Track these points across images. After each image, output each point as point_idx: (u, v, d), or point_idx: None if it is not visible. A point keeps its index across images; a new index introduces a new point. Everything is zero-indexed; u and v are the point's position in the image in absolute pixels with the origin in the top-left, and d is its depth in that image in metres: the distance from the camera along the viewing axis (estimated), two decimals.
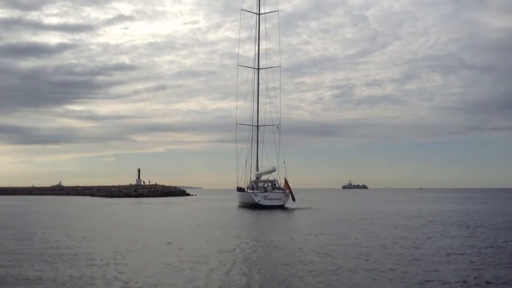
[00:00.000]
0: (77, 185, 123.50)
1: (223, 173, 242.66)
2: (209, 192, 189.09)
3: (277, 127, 52.66)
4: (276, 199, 46.80)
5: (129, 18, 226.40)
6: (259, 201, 46.28)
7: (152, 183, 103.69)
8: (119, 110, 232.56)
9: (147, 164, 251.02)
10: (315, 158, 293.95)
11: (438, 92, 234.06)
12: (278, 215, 36.80)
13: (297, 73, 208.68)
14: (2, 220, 33.12)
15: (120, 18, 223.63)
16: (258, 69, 54.73)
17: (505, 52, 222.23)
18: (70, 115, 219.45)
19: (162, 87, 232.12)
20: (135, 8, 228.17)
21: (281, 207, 45.79)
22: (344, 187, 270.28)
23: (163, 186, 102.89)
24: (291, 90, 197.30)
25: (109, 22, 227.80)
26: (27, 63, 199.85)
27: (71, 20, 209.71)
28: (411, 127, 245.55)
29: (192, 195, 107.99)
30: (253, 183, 51.15)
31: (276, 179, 50.25)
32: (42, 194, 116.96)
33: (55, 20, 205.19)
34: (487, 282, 11.99)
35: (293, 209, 43.50)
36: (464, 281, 12.05)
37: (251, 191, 49.49)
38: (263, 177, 52.01)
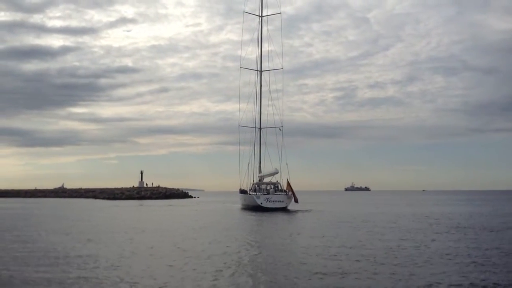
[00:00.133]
0: (80, 187, 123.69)
1: (225, 175, 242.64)
2: (212, 194, 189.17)
3: (280, 129, 52.75)
4: (279, 201, 46.77)
5: (132, 21, 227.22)
6: (261, 203, 46.26)
7: (154, 185, 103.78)
8: (122, 112, 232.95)
9: (149, 166, 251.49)
10: (317, 160, 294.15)
11: (441, 94, 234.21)
12: (281, 217, 36.79)
13: (300, 75, 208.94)
14: (6, 223, 33.18)
15: (123, 21, 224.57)
16: (261, 71, 54.84)
17: (508, 54, 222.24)
18: (73, 118, 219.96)
19: (164, 90, 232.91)
20: (137, 11, 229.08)
21: (284, 210, 45.77)
22: (346, 189, 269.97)
23: (165, 188, 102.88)
24: (293, 92, 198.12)
25: (112, 25, 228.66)
26: (30, 66, 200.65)
27: (74, 23, 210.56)
28: (414, 129, 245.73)
29: (194, 197, 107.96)
30: (256, 185, 51.15)
31: (278, 181, 50.27)
32: (45, 196, 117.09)
33: (58, 23, 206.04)
34: (495, 284, 11.99)
35: (295, 211, 43.48)
36: (471, 283, 12.05)
37: (253, 193, 49.49)
38: (266, 179, 52.00)
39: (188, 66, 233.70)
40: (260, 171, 53.73)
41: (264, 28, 54.73)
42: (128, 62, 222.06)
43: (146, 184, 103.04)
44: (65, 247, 19.05)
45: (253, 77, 55.03)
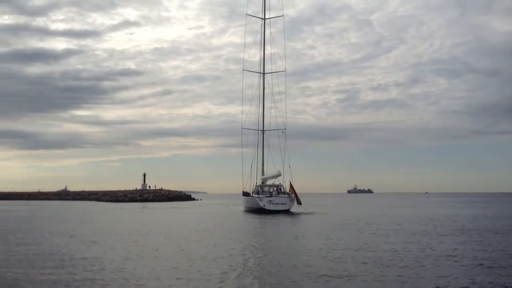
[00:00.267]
0: (83, 190, 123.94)
1: (228, 177, 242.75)
2: (215, 196, 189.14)
3: (283, 131, 52.71)
4: (281, 203, 46.70)
5: (135, 23, 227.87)
6: (264, 205, 46.21)
7: (157, 187, 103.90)
8: (124, 115, 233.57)
9: (152, 169, 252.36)
10: (320, 163, 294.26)
11: (444, 96, 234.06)
12: (284, 219, 36.74)
13: (302, 78, 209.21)
14: (10, 225, 33.21)
15: (126, 23, 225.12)
16: (264, 73, 54.84)
17: (511, 56, 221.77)
18: (76, 120, 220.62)
19: (167, 92, 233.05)
20: (140, 14, 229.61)
21: (287, 212, 45.71)
22: (349, 192, 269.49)
23: (168, 190, 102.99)
24: (296, 94, 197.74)
25: (115, 28, 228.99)
26: (33, 69, 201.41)
27: (77, 26, 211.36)
28: (417, 131, 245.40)
29: (197, 199, 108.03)
30: (259, 188, 51.12)
31: (281, 183, 50.24)
32: (48, 199, 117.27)
33: (61, 26, 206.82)
34: (504, 287, 11.93)
35: (298, 214, 43.41)
36: (479, 286, 11.98)
37: (256, 195, 49.45)
38: (269, 182, 51.95)
39: (191, 68, 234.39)
40: (263, 174, 53.69)
41: (267, 31, 54.89)
42: (131, 65, 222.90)
43: (149, 187, 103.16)
44: (70, 249, 19.05)
45: (256, 79, 55.16)
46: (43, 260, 16.39)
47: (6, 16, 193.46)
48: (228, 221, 36.55)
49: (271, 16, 55.04)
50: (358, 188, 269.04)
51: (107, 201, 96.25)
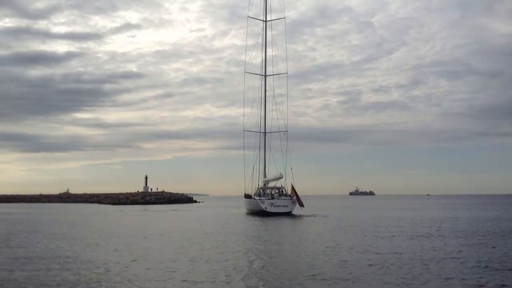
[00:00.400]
0: (84, 192, 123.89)
1: (230, 180, 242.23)
2: (216, 199, 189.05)
3: (284, 133, 52.71)
4: (283, 206, 46.66)
5: (136, 26, 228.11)
6: (266, 208, 46.19)
7: (159, 190, 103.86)
8: (126, 117, 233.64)
9: (154, 171, 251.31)
10: (321, 165, 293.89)
11: (445, 97, 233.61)
12: (287, 222, 36.71)
13: (303, 80, 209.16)
14: (13, 227, 33.22)
15: (127, 26, 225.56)
16: (265, 75, 54.90)
17: None
18: (78, 123, 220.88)
19: (169, 95, 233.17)
20: (142, 17, 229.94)
21: (288, 214, 45.68)
22: (351, 194, 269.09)
23: (170, 193, 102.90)
24: (297, 96, 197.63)
25: (116, 31, 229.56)
26: (35, 72, 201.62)
27: (78, 29, 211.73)
28: (418, 133, 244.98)
29: (199, 202, 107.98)
30: (260, 190, 51.10)
31: (283, 186, 50.23)
32: (50, 201, 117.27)
33: (62, 29, 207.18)
34: None
35: (300, 216, 43.35)
36: None
37: (258, 198, 49.45)
38: (271, 184, 51.91)
39: (192, 71, 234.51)
40: (264, 176, 53.68)
41: (268, 33, 54.95)
42: (133, 67, 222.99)
43: (151, 189, 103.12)
44: (74, 252, 19.08)
45: (257, 81, 55.19)
46: (47, 262, 16.41)
47: (7, 19, 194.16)
48: (230, 224, 36.52)
49: (272, 18, 55.19)
50: (359, 190, 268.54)
51: (108, 203, 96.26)
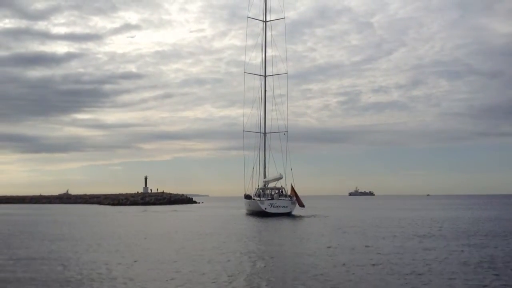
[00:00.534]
0: (84, 193, 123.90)
1: (230, 180, 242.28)
2: (216, 199, 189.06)
3: (284, 134, 52.70)
4: (283, 206, 46.64)
5: (136, 27, 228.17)
6: (265, 208, 46.17)
7: (159, 191, 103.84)
8: (126, 118, 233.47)
9: (154, 172, 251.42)
10: (321, 165, 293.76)
11: (445, 98, 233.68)
12: (287, 223, 36.69)
13: (303, 80, 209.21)
14: (13, 228, 33.15)
15: (127, 27, 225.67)
16: (265, 76, 54.90)
17: None
18: (78, 124, 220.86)
19: (168, 95, 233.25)
20: (141, 17, 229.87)
21: (288, 215, 45.65)
22: (350, 194, 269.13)
23: (170, 194, 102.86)
24: (297, 97, 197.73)
25: (116, 31, 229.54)
26: (35, 73, 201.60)
27: (78, 30, 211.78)
28: (418, 133, 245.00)
29: (199, 202, 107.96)
30: (260, 191, 51.06)
31: (283, 186, 50.21)
32: (50, 202, 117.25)
33: (62, 30, 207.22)
34: None
35: (300, 217, 43.32)
36: None
37: (258, 198, 49.44)
38: (270, 185, 51.90)
39: (192, 71, 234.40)
40: (264, 176, 53.65)
41: (268, 33, 54.94)
42: (132, 68, 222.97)
43: (151, 190, 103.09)
44: (76, 252, 19.05)
45: (257, 82, 55.16)
46: (50, 263, 16.39)
47: (7, 20, 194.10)
48: (230, 224, 36.51)
49: (272, 19, 55.19)
50: (359, 191, 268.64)
51: (108, 204, 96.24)
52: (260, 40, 54.88)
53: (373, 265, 15.44)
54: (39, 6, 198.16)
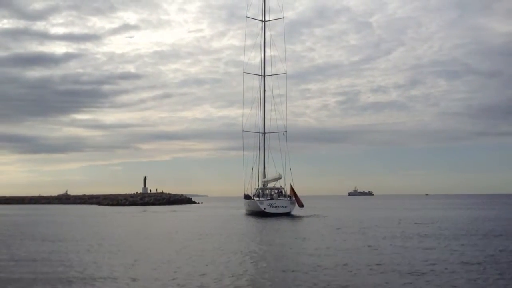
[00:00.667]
0: (83, 194, 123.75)
1: (229, 180, 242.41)
2: (216, 199, 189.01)
3: (283, 134, 52.70)
4: (282, 206, 46.66)
5: (134, 27, 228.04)
6: (264, 208, 46.17)
7: (158, 191, 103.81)
8: (125, 118, 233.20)
9: (153, 172, 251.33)
10: (320, 165, 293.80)
11: (444, 97, 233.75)
12: (287, 223, 36.69)
13: (302, 80, 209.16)
14: (13, 229, 33.10)
15: (125, 27, 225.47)
16: (264, 76, 54.91)
17: (511, 57, 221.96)
18: (77, 124, 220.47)
19: (167, 96, 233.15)
20: (140, 17, 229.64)
21: (287, 215, 45.66)
22: (349, 194, 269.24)
23: (169, 194, 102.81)
24: (296, 97, 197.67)
25: (115, 31, 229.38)
26: (33, 73, 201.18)
27: (76, 30, 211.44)
28: (417, 133, 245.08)
29: (198, 203, 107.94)
30: (260, 191, 51.05)
31: (282, 186, 50.22)
32: (49, 203, 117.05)
33: (61, 30, 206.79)
34: None
35: (300, 217, 43.33)
36: None
37: (257, 198, 49.46)
38: (270, 185, 51.90)
39: (191, 71, 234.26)
40: (264, 176, 53.66)
41: (267, 33, 54.93)
42: (131, 68, 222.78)
43: (150, 190, 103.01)
44: (78, 252, 19.04)
45: (256, 82, 55.13)
46: (51, 263, 16.39)
47: (5, 21, 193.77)
48: (230, 225, 36.50)
49: (270, 19, 55.20)
50: (358, 191, 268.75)
51: (107, 205, 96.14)
52: (259, 40, 54.96)
53: (375, 264, 15.45)
54: (38, 6, 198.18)
